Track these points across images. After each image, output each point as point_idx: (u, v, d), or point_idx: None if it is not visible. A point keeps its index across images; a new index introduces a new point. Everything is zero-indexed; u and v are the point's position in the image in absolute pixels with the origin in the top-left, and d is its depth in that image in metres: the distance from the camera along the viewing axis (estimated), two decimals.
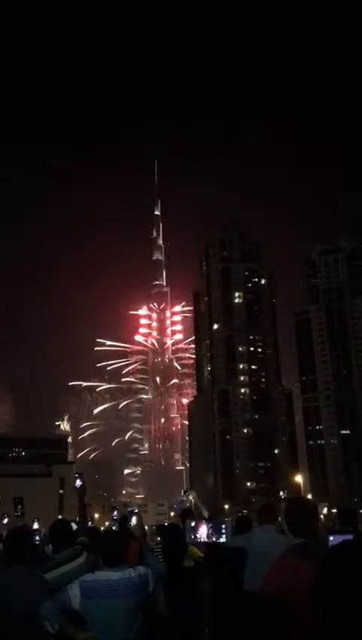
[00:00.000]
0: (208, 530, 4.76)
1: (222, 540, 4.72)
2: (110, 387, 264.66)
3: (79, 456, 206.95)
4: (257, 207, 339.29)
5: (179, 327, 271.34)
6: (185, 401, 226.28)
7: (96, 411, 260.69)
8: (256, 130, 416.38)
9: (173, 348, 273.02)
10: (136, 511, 6.23)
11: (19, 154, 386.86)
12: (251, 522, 7.65)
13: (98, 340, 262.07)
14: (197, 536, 4.80)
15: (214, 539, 4.74)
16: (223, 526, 4.82)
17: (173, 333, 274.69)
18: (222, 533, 4.74)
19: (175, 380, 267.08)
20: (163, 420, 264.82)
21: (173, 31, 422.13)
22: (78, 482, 6.38)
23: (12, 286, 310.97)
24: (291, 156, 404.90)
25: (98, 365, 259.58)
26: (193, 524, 4.87)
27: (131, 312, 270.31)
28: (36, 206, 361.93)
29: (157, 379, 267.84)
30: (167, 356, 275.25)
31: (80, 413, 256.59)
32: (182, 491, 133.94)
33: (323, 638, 1.89)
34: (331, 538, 3.37)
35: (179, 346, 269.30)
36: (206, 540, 4.75)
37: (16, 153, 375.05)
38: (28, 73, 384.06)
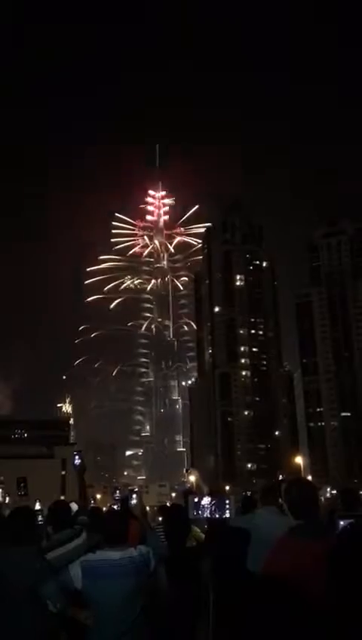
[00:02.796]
0: (211, 506, 4.73)
1: (226, 515, 4.69)
2: (115, 368, 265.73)
3: (81, 437, 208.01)
4: (259, 190, 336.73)
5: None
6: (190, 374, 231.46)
7: (98, 394, 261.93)
8: (258, 113, 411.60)
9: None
10: (137, 489, 6.18)
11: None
12: (256, 502, 7.64)
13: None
14: (200, 512, 4.77)
15: (217, 515, 4.71)
16: (227, 501, 4.78)
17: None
18: (226, 509, 4.70)
19: (179, 364, 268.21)
20: (167, 402, 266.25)
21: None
22: (77, 460, 6.29)
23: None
24: (293, 139, 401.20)
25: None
26: (196, 499, 4.83)
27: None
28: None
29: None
30: (168, 336, 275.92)
31: (83, 395, 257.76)
32: (184, 469, 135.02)
33: (339, 617, 1.98)
34: (341, 523, 3.38)
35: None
36: (209, 516, 4.73)
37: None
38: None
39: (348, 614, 1.97)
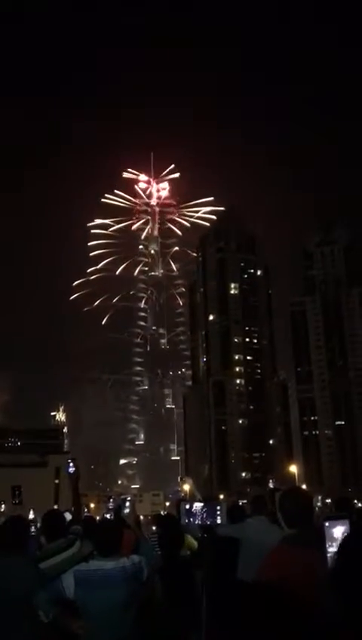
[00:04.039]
0: (202, 513, 4.71)
1: (218, 521, 4.67)
2: (109, 377, 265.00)
3: (75, 446, 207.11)
4: (254, 198, 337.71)
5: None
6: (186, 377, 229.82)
7: (93, 402, 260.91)
8: (254, 119, 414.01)
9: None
10: (129, 498, 6.15)
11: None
12: (244, 511, 7.62)
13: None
14: (191, 520, 4.75)
15: (208, 522, 4.69)
16: (218, 507, 4.75)
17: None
18: (217, 516, 4.68)
19: (174, 372, 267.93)
20: (162, 411, 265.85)
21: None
22: (71, 468, 6.27)
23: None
24: (290, 147, 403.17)
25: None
26: (187, 506, 4.81)
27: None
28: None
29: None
30: (163, 345, 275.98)
31: (77, 404, 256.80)
32: (179, 478, 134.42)
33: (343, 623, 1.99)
34: (326, 524, 3.36)
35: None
36: (200, 522, 4.71)
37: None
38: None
39: (353, 626, 2.06)
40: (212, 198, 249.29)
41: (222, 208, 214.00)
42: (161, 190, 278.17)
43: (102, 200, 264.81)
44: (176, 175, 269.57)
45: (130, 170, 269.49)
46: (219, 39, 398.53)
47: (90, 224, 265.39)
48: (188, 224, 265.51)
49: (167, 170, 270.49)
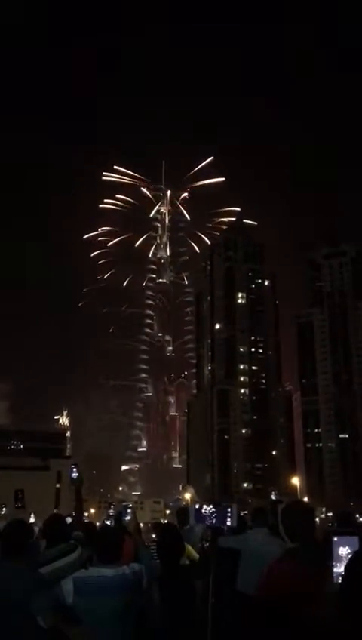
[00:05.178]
0: (212, 517, 4.68)
1: (228, 523, 4.65)
2: (114, 383, 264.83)
3: (77, 451, 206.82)
4: (262, 208, 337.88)
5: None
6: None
7: (97, 408, 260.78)
8: (258, 131, 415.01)
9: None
10: (130, 505, 6.14)
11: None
12: (246, 523, 7.59)
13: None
14: (201, 523, 4.72)
15: (219, 525, 4.66)
16: (229, 510, 4.72)
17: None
18: (228, 517, 4.64)
19: (179, 379, 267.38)
20: (167, 418, 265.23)
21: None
22: (74, 474, 6.27)
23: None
24: (295, 159, 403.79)
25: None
26: (197, 506, 4.78)
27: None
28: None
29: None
30: (169, 352, 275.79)
31: (81, 409, 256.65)
32: (180, 486, 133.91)
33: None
34: (335, 539, 3.35)
35: None
36: (208, 524, 4.68)
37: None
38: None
39: None
40: (238, 209, 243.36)
41: (232, 218, 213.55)
42: (175, 199, 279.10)
43: (101, 206, 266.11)
44: (221, 179, 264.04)
45: (133, 173, 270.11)
46: (223, 64, 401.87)
47: (88, 235, 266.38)
48: (206, 238, 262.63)
49: (204, 162, 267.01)
